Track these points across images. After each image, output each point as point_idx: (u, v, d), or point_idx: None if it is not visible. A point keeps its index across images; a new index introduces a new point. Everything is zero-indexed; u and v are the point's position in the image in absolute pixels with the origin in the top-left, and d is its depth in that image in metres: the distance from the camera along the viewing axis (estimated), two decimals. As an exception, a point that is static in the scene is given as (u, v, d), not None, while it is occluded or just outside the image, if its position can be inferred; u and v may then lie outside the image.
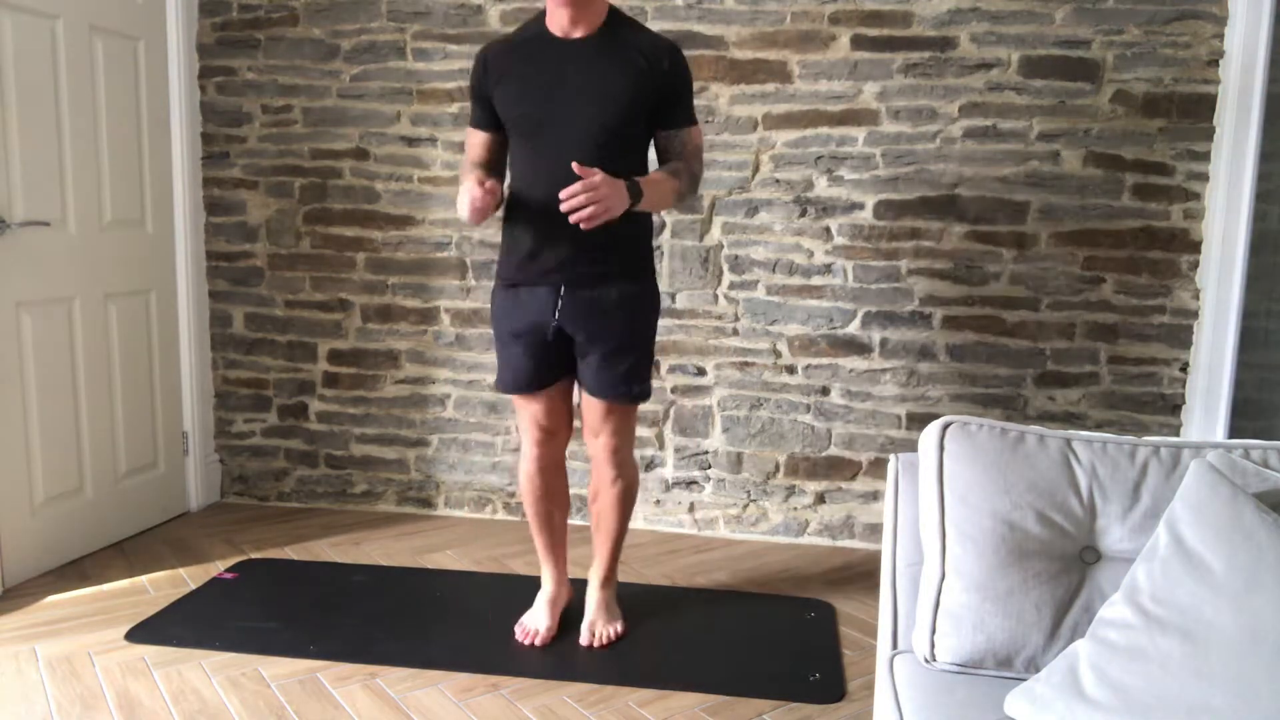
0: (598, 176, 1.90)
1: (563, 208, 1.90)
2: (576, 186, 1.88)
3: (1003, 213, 2.92)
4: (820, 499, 3.13)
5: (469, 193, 1.98)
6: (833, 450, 3.10)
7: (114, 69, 2.91)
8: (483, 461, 3.29)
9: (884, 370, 3.04)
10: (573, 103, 2.05)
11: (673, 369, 3.13)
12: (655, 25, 2.98)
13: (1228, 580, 1.11)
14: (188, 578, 2.74)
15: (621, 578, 2.78)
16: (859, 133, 2.95)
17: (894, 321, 3.02)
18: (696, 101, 2.99)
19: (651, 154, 2.22)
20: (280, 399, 3.39)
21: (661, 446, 3.18)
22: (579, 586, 2.58)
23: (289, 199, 3.28)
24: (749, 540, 3.16)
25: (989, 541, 1.32)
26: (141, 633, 2.37)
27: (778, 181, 3.01)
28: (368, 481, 3.38)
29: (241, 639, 2.33)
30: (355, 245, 3.27)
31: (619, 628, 2.38)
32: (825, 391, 3.08)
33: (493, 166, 2.24)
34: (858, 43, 2.92)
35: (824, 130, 2.97)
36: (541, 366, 2.22)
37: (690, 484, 3.18)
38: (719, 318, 3.10)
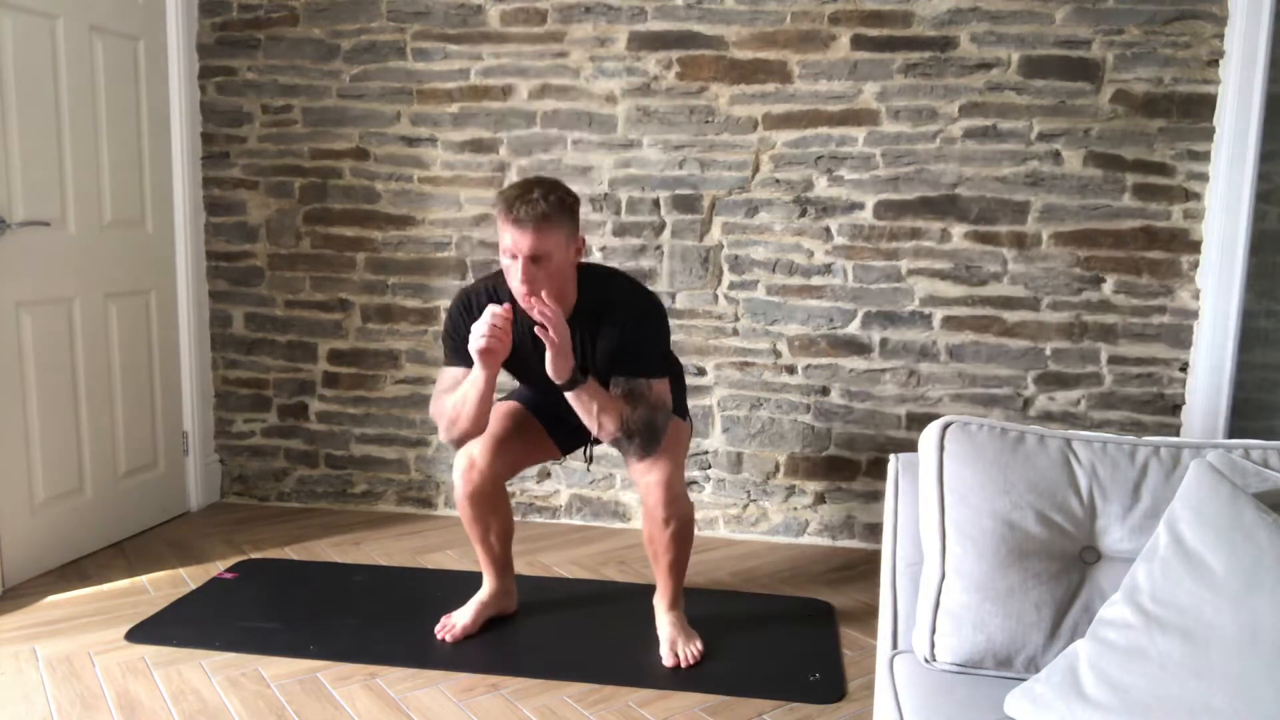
0: (564, 328, 1.98)
1: (528, 301, 1.96)
2: (550, 308, 1.95)
3: (1003, 213, 2.93)
4: (820, 499, 3.13)
5: (485, 320, 1.96)
6: (833, 450, 3.10)
7: (114, 69, 2.91)
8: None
9: (884, 370, 3.04)
10: (548, 380, 2.05)
11: (673, 369, 3.13)
12: (655, 26, 2.99)
13: (1228, 580, 1.11)
14: (188, 578, 2.74)
15: (620, 578, 2.79)
16: (859, 133, 2.95)
17: (894, 321, 3.02)
18: (696, 102, 2.99)
19: None
20: (280, 399, 3.39)
21: (661, 446, 3.18)
22: (567, 588, 2.58)
23: (289, 199, 3.28)
24: (749, 540, 3.16)
25: (989, 541, 1.32)
26: (141, 633, 2.37)
27: (778, 181, 3.01)
28: (368, 481, 3.38)
29: (241, 639, 2.33)
30: (355, 245, 3.27)
31: (699, 645, 2.30)
32: (825, 391, 3.08)
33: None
34: (858, 43, 2.92)
35: (824, 130, 2.97)
36: (551, 415, 2.33)
37: (690, 484, 3.18)
38: (719, 318, 3.10)
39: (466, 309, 2.14)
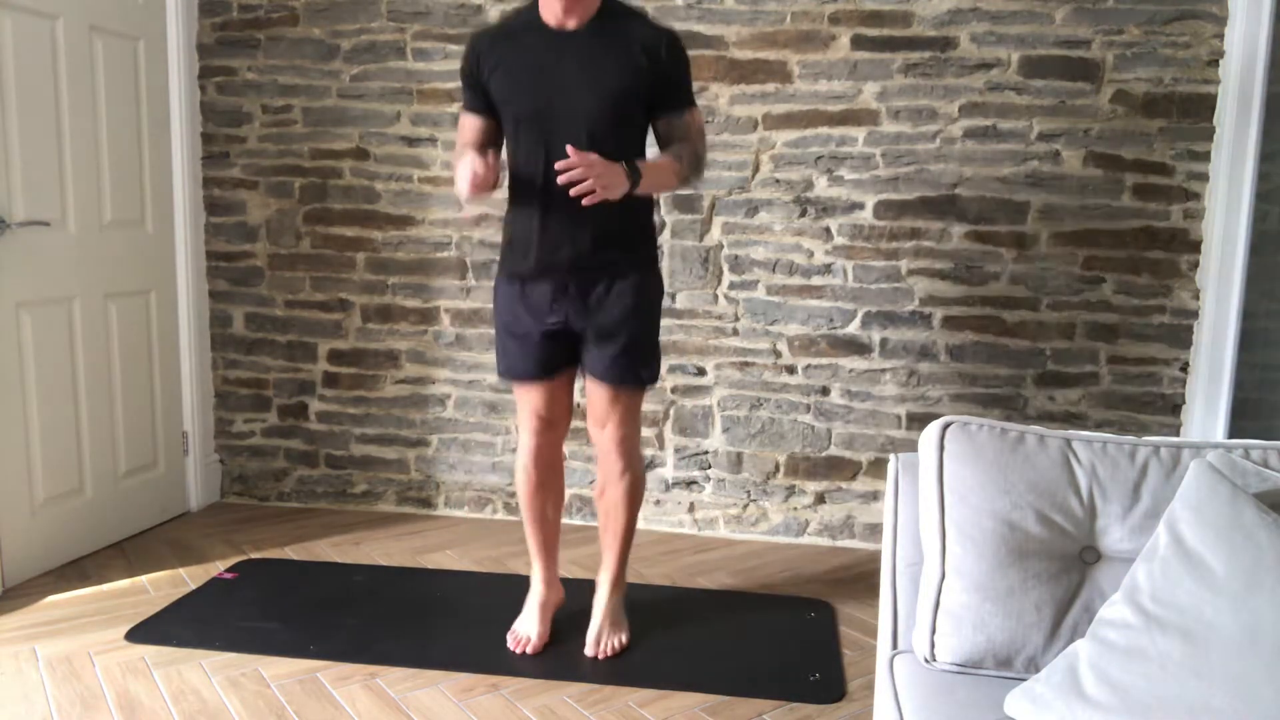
0: (594, 157, 1.91)
1: (560, 179, 1.90)
2: (574, 159, 1.88)
3: (1003, 213, 2.93)
4: (820, 499, 3.13)
5: (469, 165, 1.95)
6: (833, 450, 3.10)
7: (114, 69, 2.91)
8: (483, 461, 3.29)
9: (884, 370, 3.04)
10: (567, 96, 2.05)
11: (673, 369, 3.12)
12: (655, 25, 2.98)
13: (1228, 580, 1.11)
14: (188, 578, 2.74)
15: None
16: (859, 133, 2.95)
17: (894, 321, 3.02)
18: (697, 101, 2.99)
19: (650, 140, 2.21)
20: (280, 399, 3.39)
21: (661, 446, 3.18)
22: (576, 589, 2.58)
23: (289, 199, 3.28)
24: (749, 540, 3.16)
25: (989, 541, 1.32)
26: (141, 633, 2.37)
27: (778, 181, 3.01)
28: (368, 481, 3.38)
29: (241, 639, 2.33)
30: (355, 245, 3.27)
31: (623, 638, 2.32)
32: (825, 391, 3.08)
33: (488, 149, 2.19)
34: (858, 43, 2.92)
35: (824, 130, 2.97)
36: (544, 357, 2.21)
37: (690, 484, 3.18)
38: (719, 318, 3.10)
39: (474, 47, 2.14)
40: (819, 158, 2.98)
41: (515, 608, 2.51)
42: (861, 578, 2.84)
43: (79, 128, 2.79)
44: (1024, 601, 1.30)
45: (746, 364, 3.10)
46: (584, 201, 1.92)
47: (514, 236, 2.19)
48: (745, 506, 3.17)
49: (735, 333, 3.09)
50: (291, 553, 2.95)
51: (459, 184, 2.00)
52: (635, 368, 2.19)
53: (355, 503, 3.40)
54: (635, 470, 2.30)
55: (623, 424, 2.25)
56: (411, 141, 3.18)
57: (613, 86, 2.05)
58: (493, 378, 3.21)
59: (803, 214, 3.01)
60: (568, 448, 3.22)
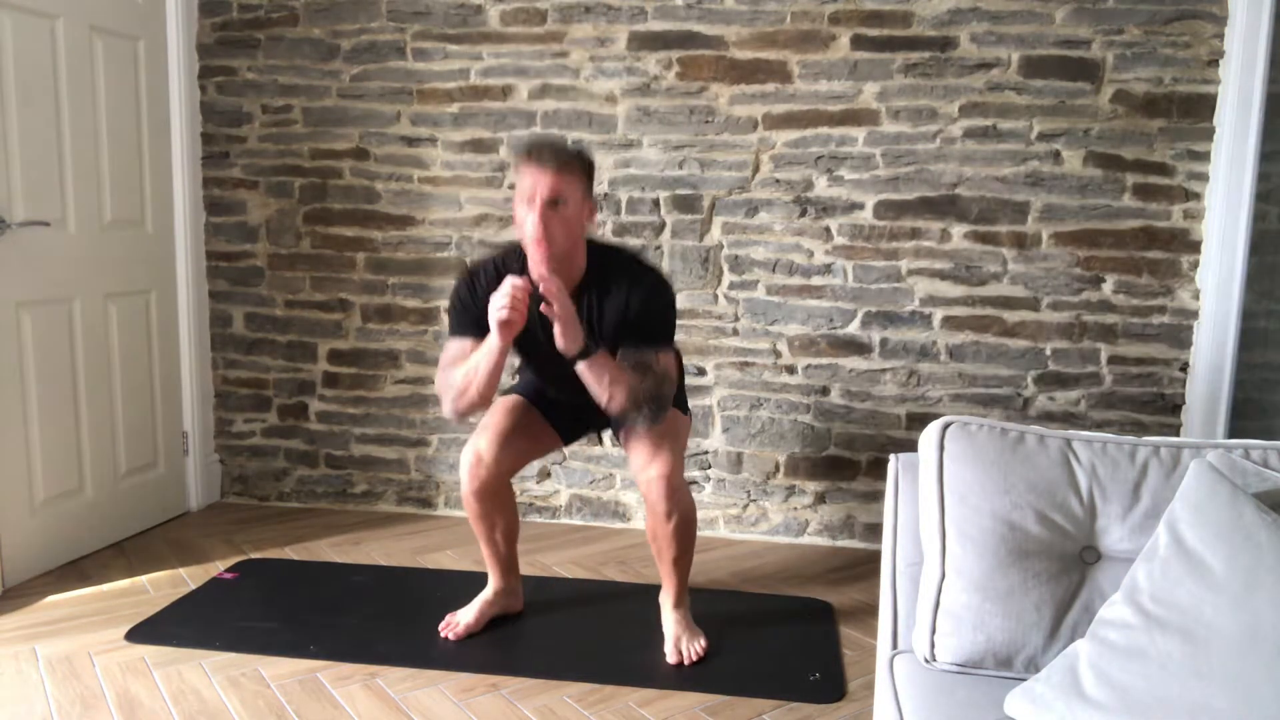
0: (570, 307, 1.99)
1: (536, 275, 1.99)
2: (551, 292, 1.95)
3: (1003, 213, 2.93)
4: (820, 499, 3.13)
5: (504, 291, 1.95)
6: (833, 450, 3.10)
7: (114, 69, 2.91)
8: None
9: (884, 370, 3.04)
10: (556, 353, 2.05)
11: (673, 369, 3.12)
12: (655, 26, 2.99)
13: (1228, 580, 1.11)
14: (188, 578, 2.74)
15: (619, 577, 2.79)
16: (859, 133, 2.95)
17: (894, 321, 3.02)
18: (696, 102, 2.99)
19: None
20: (280, 399, 3.39)
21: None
22: (576, 589, 2.58)
23: (289, 199, 3.28)
24: (749, 540, 3.16)
25: (989, 541, 1.32)
26: (141, 633, 2.36)
27: (778, 181, 3.01)
28: (368, 481, 3.38)
29: (241, 639, 2.33)
30: (355, 245, 3.27)
31: (703, 642, 2.31)
32: (825, 391, 3.08)
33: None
34: (858, 43, 2.92)
35: (824, 130, 2.97)
36: (554, 406, 2.36)
37: (690, 484, 3.18)
38: (719, 318, 3.10)
39: (472, 283, 2.16)
40: (819, 158, 2.98)
41: (517, 611, 2.52)
42: (861, 578, 2.84)
43: (79, 128, 2.79)
44: (1024, 601, 1.30)
45: (746, 364, 3.10)
46: (542, 308, 1.98)
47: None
48: (745, 506, 3.17)
49: (735, 333, 3.09)
50: (291, 553, 2.95)
51: (495, 308, 1.96)
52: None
53: (355, 503, 3.40)
54: (682, 509, 2.20)
55: (663, 458, 2.16)
56: (411, 141, 3.18)
57: (595, 344, 2.06)
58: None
59: (803, 214, 3.01)
60: (568, 448, 3.22)
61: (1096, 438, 1.37)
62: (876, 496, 3.09)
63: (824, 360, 3.06)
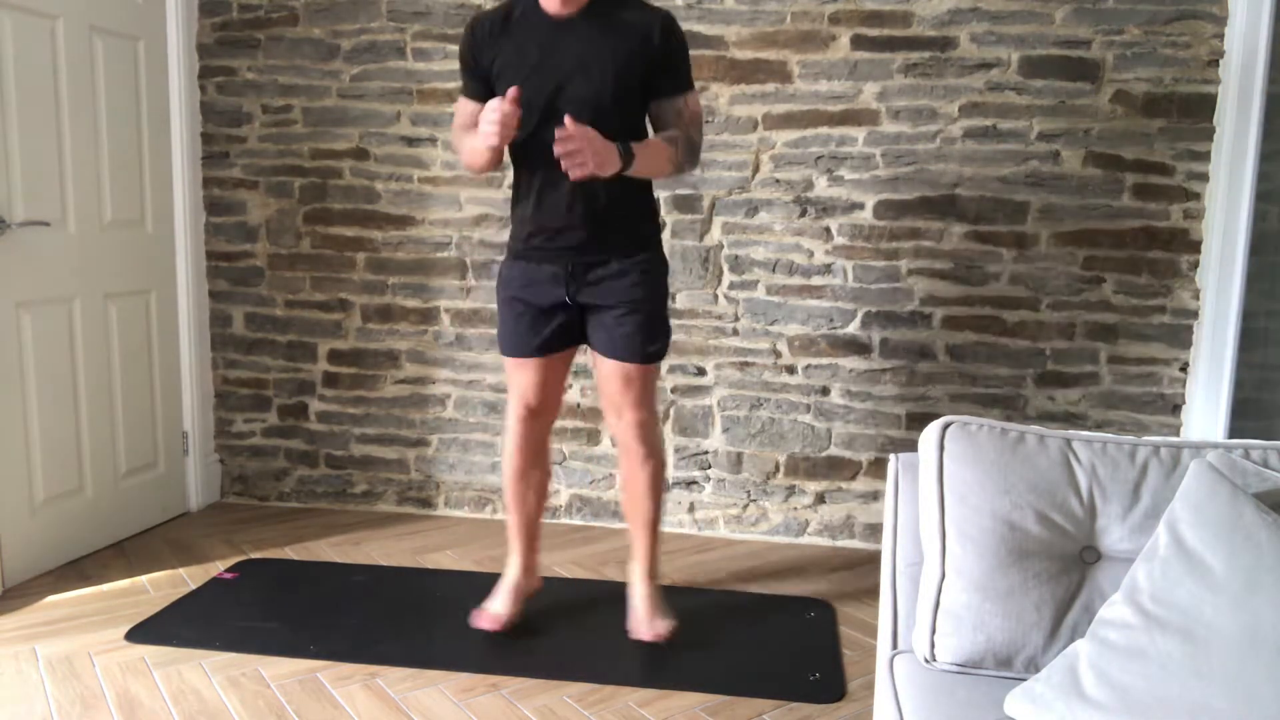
0: (590, 130, 1.94)
1: (555, 150, 1.92)
2: (570, 130, 1.90)
3: (1003, 213, 2.93)
4: (820, 499, 3.13)
5: (492, 106, 1.94)
6: (833, 450, 3.10)
7: (114, 69, 2.91)
8: (483, 461, 3.29)
9: (884, 370, 3.04)
10: (568, 85, 2.07)
11: (673, 369, 3.12)
12: (655, 25, 2.98)
13: (1228, 580, 1.11)
14: (188, 578, 2.74)
15: (619, 577, 2.78)
16: (859, 133, 2.95)
17: (894, 321, 3.02)
18: (696, 92, 2.99)
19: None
20: (280, 399, 3.39)
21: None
22: (576, 589, 2.57)
23: (289, 199, 3.28)
24: (749, 540, 3.16)
25: (989, 541, 1.32)
26: (141, 633, 2.37)
27: (778, 181, 3.01)
28: (368, 481, 3.38)
29: (241, 639, 2.33)
30: (355, 245, 3.27)
31: (670, 623, 2.33)
32: (825, 391, 3.08)
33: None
34: (858, 43, 2.92)
35: (824, 130, 2.97)
36: (543, 333, 2.25)
37: (690, 484, 3.18)
38: (719, 318, 3.10)
39: (474, 37, 2.15)
40: (819, 158, 2.98)
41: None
42: (861, 578, 2.84)
43: (79, 128, 2.79)
44: (1024, 601, 1.30)
45: (746, 364, 3.10)
46: (573, 175, 1.94)
47: (518, 221, 2.24)
48: (745, 506, 3.17)
49: (735, 333, 3.09)
50: (291, 553, 2.95)
51: (484, 128, 1.96)
52: (642, 341, 2.22)
53: (355, 503, 3.40)
54: (658, 456, 2.31)
55: (639, 406, 2.26)
56: (411, 141, 3.18)
57: (611, 74, 2.07)
58: (493, 378, 3.21)
59: (803, 214, 3.01)
60: (567, 448, 3.22)
61: (1096, 438, 1.37)
62: (876, 496, 3.09)
63: (824, 360, 3.06)
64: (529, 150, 2.14)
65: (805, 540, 3.15)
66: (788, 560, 2.98)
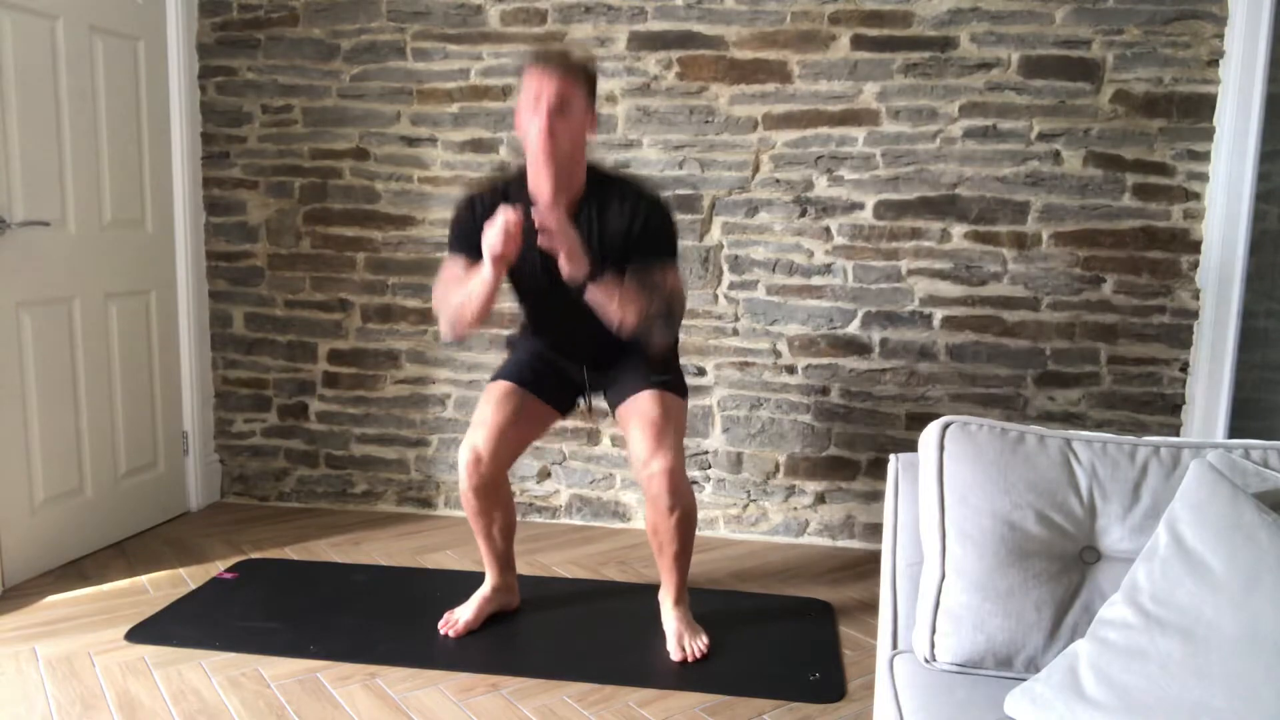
0: (573, 234, 2.00)
1: (536, 200, 1.99)
2: (550, 223, 1.95)
3: (1003, 213, 2.93)
4: (820, 499, 3.13)
5: (501, 218, 1.95)
6: (833, 450, 3.10)
7: (114, 69, 2.91)
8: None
9: (884, 370, 3.04)
10: (558, 277, 2.06)
11: (673, 369, 3.13)
12: (655, 26, 2.99)
13: (1228, 580, 1.11)
14: (188, 578, 2.74)
15: (619, 577, 2.79)
16: (859, 133, 2.95)
17: (894, 321, 3.02)
18: (696, 102, 2.99)
19: None
20: (280, 399, 3.39)
21: (661, 446, 3.18)
22: (576, 589, 2.57)
23: (289, 199, 3.28)
24: (749, 540, 3.16)
25: (989, 541, 1.32)
26: (141, 633, 2.37)
27: (778, 181, 3.01)
28: (368, 481, 3.38)
29: (241, 639, 2.33)
30: (355, 245, 3.27)
31: (705, 640, 2.31)
32: (825, 391, 3.08)
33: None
34: (858, 43, 2.92)
35: (824, 130, 2.97)
36: (546, 378, 2.35)
37: (690, 483, 3.17)
38: (719, 318, 3.10)
39: (471, 206, 2.19)
40: (819, 158, 2.98)
41: (514, 608, 2.52)
42: (861, 578, 2.84)
43: (79, 128, 2.79)
44: (1024, 601, 1.30)
45: (746, 364, 3.10)
46: (540, 242, 1.98)
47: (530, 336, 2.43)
48: (745, 506, 3.17)
49: (735, 333, 3.09)
50: (291, 553, 2.95)
51: (490, 238, 1.96)
52: (648, 373, 2.29)
53: (355, 503, 3.40)
54: (684, 503, 2.21)
55: (661, 450, 2.17)
56: (411, 141, 3.18)
57: (601, 264, 2.07)
58: (493, 378, 3.21)
59: (803, 214, 3.01)
60: (567, 448, 3.22)
61: (1096, 438, 1.37)
62: (876, 496, 3.09)
63: (824, 360, 3.06)
64: (531, 314, 2.32)
65: (805, 540, 3.15)
66: (788, 560, 2.98)
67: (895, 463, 1.57)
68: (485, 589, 2.46)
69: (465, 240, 2.17)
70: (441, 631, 2.37)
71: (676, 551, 2.28)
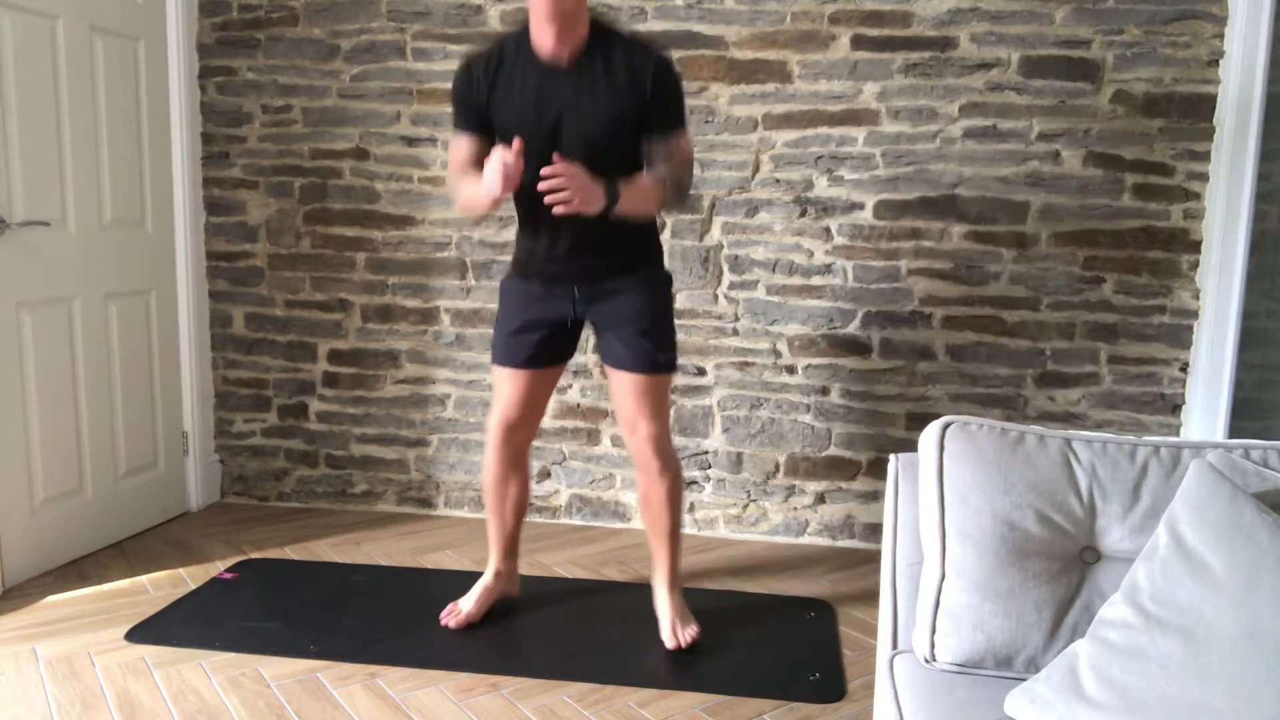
0: (575, 168, 1.97)
1: (540, 185, 1.95)
2: (556, 168, 1.93)
3: (1003, 213, 2.93)
4: (820, 499, 3.13)
5: (497, 159, 1.95)
6: (833, 450, 3.10)
7: (114, 69, 2.91)
8: (483, 461, 3.28)
9: (884, 370, 3.04)
10: (563, 125, 2.09)
11: (673, 369, 3.12)
12: (655, 26, 2.99)
13: (1228, 580, 1.11)
14: (188, 578, 2.74)
15: (619, 577, 2.79)
16: (859, 133, 2.95)
17: (894, 321, 3.02)
18: (696, 102, 2.99)
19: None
20: (280, 399, 3.39)
21: (661, 446, 3.18)
22: (575, 589, 2.57)
23: (289, 199, 3.28)
24: (749, 540, 3.16)
25: (989, 541, 1.32)
26: (141, 633, 2.37)
27: (778, 181, 3.01)
28: (368, 481, 3.38)
29: (241, 639, 2.33)
30: (355, 245, 3.27)
31: (695, 629, 2.35)
32: (825, 391, 3.08)
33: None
34: (858, 43, 2.92)
35: (824, 130, 2.97)
36: (537, 347, 2.30)
37: (690, 484, 3.18)
38: (719, 318, 3.10)
39: (469, 75, 2.17)
40: (819, 158, 2.98)
41: (515, 607, 2.52)
42: (861, 578, 2.84)
43: (79, 128, 2.79)
44: (1024, 601, 1.30)
45: (746, 364, 3.10)
46: (556, 211, 1.97)
47: (521, 246, 2.30)
48: (745, 506, 3.17)
49: (735, 333, 3.09)
50: (291, 553, 2.95)
51: (489, 180, 1.97)
52: (653, 354, 2.25)
53: (355, 503, 3.40)
54: (673, 468, 2.33)
55: (653, 418, 2.27)
56: (411, 141, 3.18)
57: (602, 118, 2.09)
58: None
59: (803, 214, 3.01)
60: (567, 448, 3.22)
61: (1096, 438, 1.37)
62: (876, 496, 3.09)
63: (824, 360, 3.06)
64: (525, 189, 2.15)
65: (805, 540, 3.15)
66: (788, 560, 2.98)
67: (895, 463, 1.57)
68: (487, 577, 2.49)
69: (469, 112, 2.18)
70: (443, 621, 2.40)
71: (669, 525, 2.34)
